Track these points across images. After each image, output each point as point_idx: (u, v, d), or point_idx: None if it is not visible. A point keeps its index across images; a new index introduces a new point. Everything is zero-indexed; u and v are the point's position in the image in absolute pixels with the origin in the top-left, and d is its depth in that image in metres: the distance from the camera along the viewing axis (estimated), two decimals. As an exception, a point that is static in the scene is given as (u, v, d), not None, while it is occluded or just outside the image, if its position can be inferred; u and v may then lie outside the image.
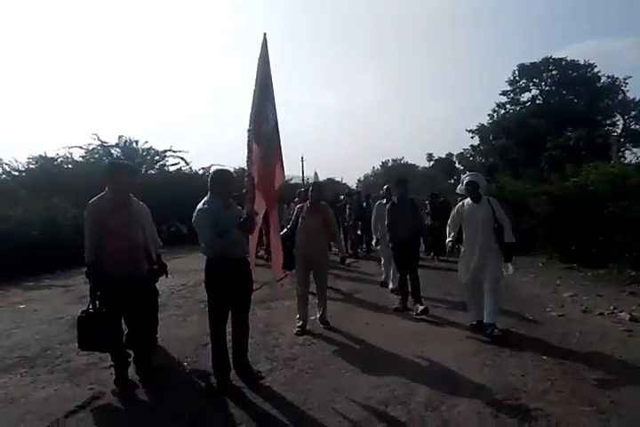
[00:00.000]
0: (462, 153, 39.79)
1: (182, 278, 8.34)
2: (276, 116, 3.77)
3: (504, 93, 35.60)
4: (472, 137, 35.64)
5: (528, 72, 34.48)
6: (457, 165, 43.23)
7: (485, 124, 34.83)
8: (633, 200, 8.05)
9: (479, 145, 35.61)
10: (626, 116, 33.04)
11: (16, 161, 16.18)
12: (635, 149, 28.95)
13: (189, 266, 9.05)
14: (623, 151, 26.80)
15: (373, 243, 7.50)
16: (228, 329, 3.73)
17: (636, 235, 7.84)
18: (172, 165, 20.01)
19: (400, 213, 5.94)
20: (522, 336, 4.78)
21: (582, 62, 33.20)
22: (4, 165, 15.69)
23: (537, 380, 3.66)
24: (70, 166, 17.31)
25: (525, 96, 35.41)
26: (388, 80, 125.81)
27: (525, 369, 3.89)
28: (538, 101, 34.54)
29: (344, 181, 52.08)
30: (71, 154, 17.89)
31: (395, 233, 5.97)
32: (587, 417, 3.04)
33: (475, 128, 35.15)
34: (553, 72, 34.00)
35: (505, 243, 4.77)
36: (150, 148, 19.64)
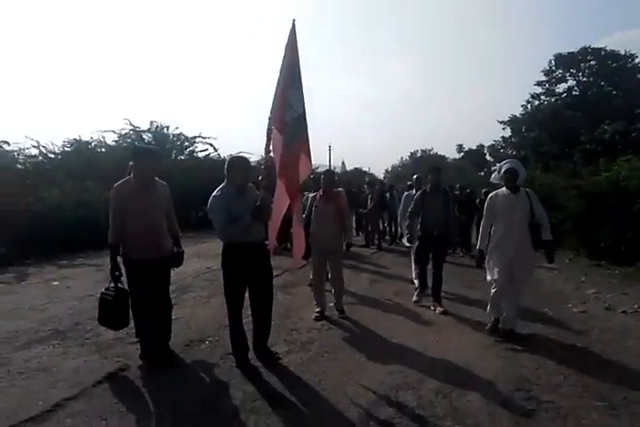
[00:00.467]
0: (493, 145, 38.99)
1: (208, 262, 8.58)
2: (302, 106, 3.70)
3: (539, 84, 34.56)
4: (504, 128, 34.90)
5: (565, 62, 33.34)
6: (488, 157, 42.40)
7: (518, 115, 33.99)
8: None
9: (510, 137, 34.84)
10: (668, 110, 31.70)
11: (52, 144, 16.70)
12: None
13: (215, 250, 9.13)
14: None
15: (404, 240, 6.69)
16: (248, 312, 3.88)
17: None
18: (201, 151, 20.32)
19: (431, 204, 5.58)
20: (540, 331, 4.77)
21: (623, 53, 31.91)
22: (41, 148, 16.21)
23: (550, 373, 3.68)
24: (103, 150, 17.76)
25: (561, 87, 34.29)
26: (418, 69, 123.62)
27: (540, 363, 3.91)
28: (574, 93, 33.40)
29: (371, 171, 51.78)
30: (104, 138, 18.33)
31: (423, 224, 5.63)
32: (597, 412, 3.06)
33: (507, 119, 34.37)
34: (591, 62, 32.77)
35: (544, 241, 4.39)
36: (180, 133, 19.92)
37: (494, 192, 4.62)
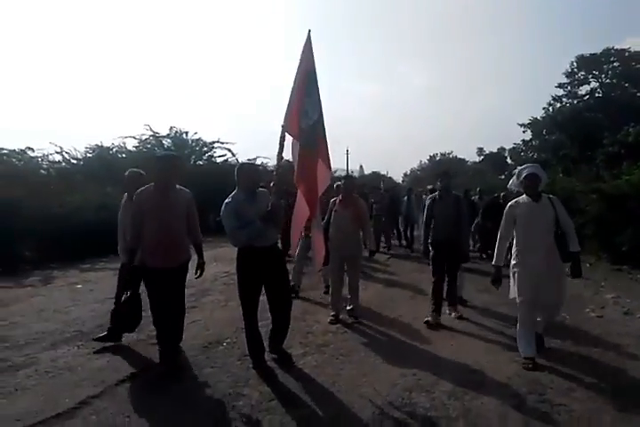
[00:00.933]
0: (514, 148, 38.59)
1: (225, 266, 8.72)
2: (318, 112, 3.74)
3: (560, 86, 34.21)
4: (524, 131, 34.54)
5: (587, 64, 32.94)
6: (508, 161, 41.94)
7: (539, 117, 33.60)
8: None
9: (531, 140, 34.43)
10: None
11: (75, 150, 17.14)
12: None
13: (232, 254, 9.27)
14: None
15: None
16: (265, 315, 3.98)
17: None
18: (220, 156, 20.61)
19: (442, 211, 5.35)
20: (556, 335, 4.75)
21: (647, 53, 31.35)
22: (64, 154, 16.64)
23: (565, 377, 3.68)
24: (124, 155, 18.15)
25: (583, 89, 33.91)
26: (438, 72, 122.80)
27: (554, 366, 3.91)
28: (597, 95, 32.92)
29: (389, 175, 51.64)
30: (125, 144, 18.73)
31: (435, 233, 5.40)
32: (610, 415, 3.06)
33: (527, 122, 34.01)
34: (614, 64, 32.33)
35: (570, 252, 3.94)
36: (199, 139, 20.24)
37: (514, 200, 4.16)
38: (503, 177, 36.77)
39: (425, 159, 63.85)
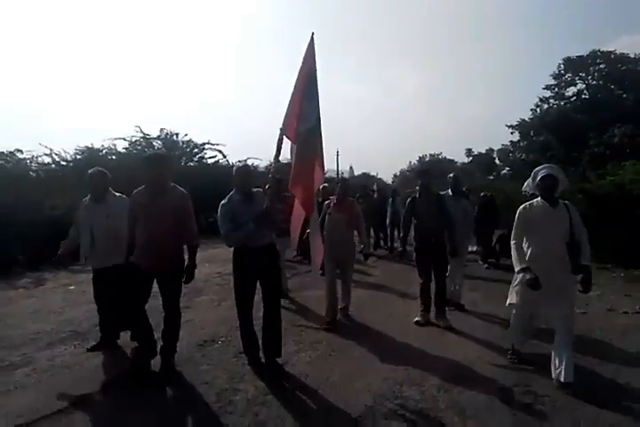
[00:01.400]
0: (502, 149, 39.02)
1: (218, 267, 8.82)
2: (317, 117, 3.75)
3: (548, 88, 34.62)
4: (512, 133, 34.95)
5: (574, 66, 33.39)
6: (497, 161, 42.39)
7: (527, 119, 34.03)
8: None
9: (519, 141, 34.84)
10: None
11: (64, 151, 17.04)
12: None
13: (225, 255, 9.40)
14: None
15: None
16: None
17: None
18: (210, 157, 20.64)
19: (423, 210, 5.25)
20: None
21: (632, 55, 31.89)
22: (54, 156, 16.55)
23: (549, 371, 3.81)
24: (114, 157, 18.08)
25: (570, 91, 34.29)
26: (426, 73, 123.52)
27: (541, 361, 4.04)
28: (584, 96, 33.40)
29: (379, 176, 51.85)
30: (115, 145, 18.61)
31: (417, 233, 5.36)
32: (592, 406, 3.20)
33: (515, 123, 34.43)
34: (601, 66, 32.80)
35: (582, 266, 3.60)
36: (190, 140, 20.24)
37: (528, 203, 3.83)
38: (492, 177, 37.25)
39: (414, 160, 64.24)
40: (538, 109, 34.37)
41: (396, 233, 11.95)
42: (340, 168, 43.58)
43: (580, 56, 33.20)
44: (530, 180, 3.88)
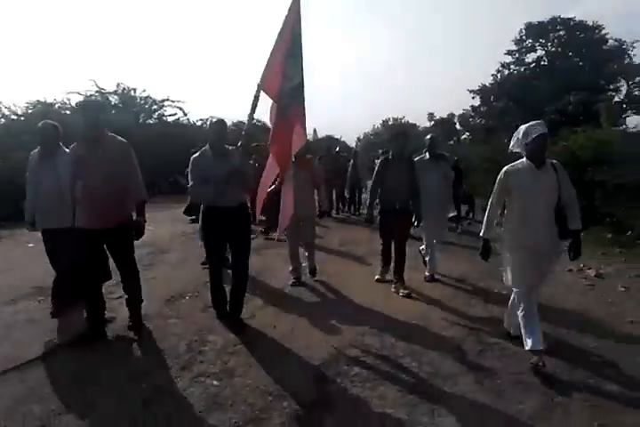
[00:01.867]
0: (464, 113, 39.54)
1: (182, 226, 8.81)
2: (300, 76, 3.64)
3: (509, 53, 34.85)
4: (473, 97, 35.34)
5: (535, 32, 33.59)
6: (457, 126, 43.01)
7: (487, 84, 34.39)
8: (613, 166, 8.37)
9: (480, 106, 35.34)
10: (630, 82, 32.62)
11: (15, 105, 16.13)
12: (637, 116, 28.97)
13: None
14: (624, 118, 26.79)
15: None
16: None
17: (615, 200, 8.23)
18: (170, 115, 20.01)
19: (394, 173, 4.99)
20: (491, 286, 5.23)
21: (590, 23, 32.38)
22: (4, 109, 15.64)
23: (498, 322, 4.11)
24: (68, 112, 17.26)
25: (530, 57, 34.70)
26: (389, 36, 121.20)
27: (490, 313, 4.38)
28: (543, 63, 33.92)
29: (343, 139, 51.66)
30: (69, 100, 17.77)
31: (384, 198, 5.10)
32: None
33: (477, 88, 34.77)
34: (560, 33, 33.15)
35: (571, 231, 3.34)
36: (148, 96, 19.50)
37: (510, 165, 3.45)
38: (452, 142, 37.84)
39: (378, 124, 64.13)
40: (499, 75, 34.74)
41: (356, 197, 11.96)
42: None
43: (541, 22, 33.35)
44: (517, 137, 3.42)
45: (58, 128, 4.18)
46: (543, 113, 25.73)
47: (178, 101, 19.68)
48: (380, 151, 10.97)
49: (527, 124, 3.37)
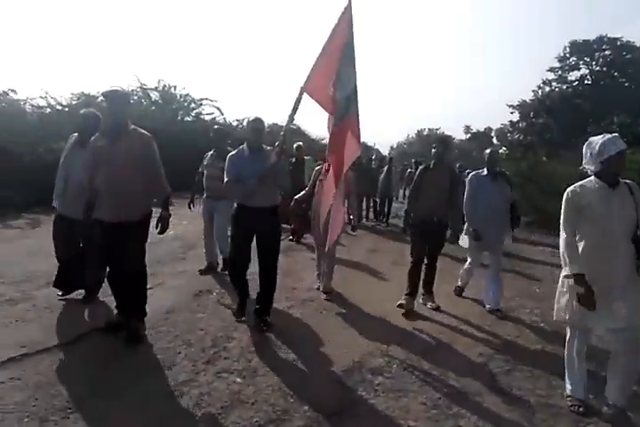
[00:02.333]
0: (501, 128, 38.91)
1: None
2: (354, 83, 3.60)
3: (552, 70, 34.20)
4: (512, 112, 34.79)
5: (579, 50, 32.91)
6: (495, 141, 42.29)
7: (528, 100, 33.82)
8: None
9: (518, 121, 34.75)
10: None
11: (60, 96, 16.65)
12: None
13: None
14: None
15: (461, 238, 5.08)
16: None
17: None
18: (208, 114, 20.32)
19: (432, 183, 4.58)
20: (523, 308, 5.10)
21: (638, 44, 31.51)
22: (50, 99, 16.16)
23: (530, 342, 4.01)
24: (110, 105, 17.70)
25: (574, 75, 33.99)
26: (429, 45, 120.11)
27: (521, 333, 4.26)
28: (586, 82, 33.16)
29: (376, 147, 51.53)
30: (112, 93, 18.25)
31: (420, 207, 4.67)
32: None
33: (516, 103, 34.22)
34: (606, 52, 32.38)
35: None
36: (187, 94, 19.82)
37: (577, 185, 2.95)
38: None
39: (413, 133, 63.69)
40: (540, 91, 34.12)
41: (385, 206, 11.43)
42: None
43: (587, 40, 32.68)
44: (592, 154, 2.86)
45: (99, 118, 4.17)
46: (585, 132, 25.16)
47: (215, 101, 20.01)
48: (413, 161, 10.79)
49: (602, 138, 2.85)
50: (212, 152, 5.53)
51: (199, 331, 3.76)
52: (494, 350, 3.83)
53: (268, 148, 3.88)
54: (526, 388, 3.19)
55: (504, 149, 38.09)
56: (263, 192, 3.70)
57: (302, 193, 5.09)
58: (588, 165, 2.93)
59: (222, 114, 20.07)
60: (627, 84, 31.20)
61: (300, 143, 8.15)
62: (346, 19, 3.53)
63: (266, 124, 4.72)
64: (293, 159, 7.71)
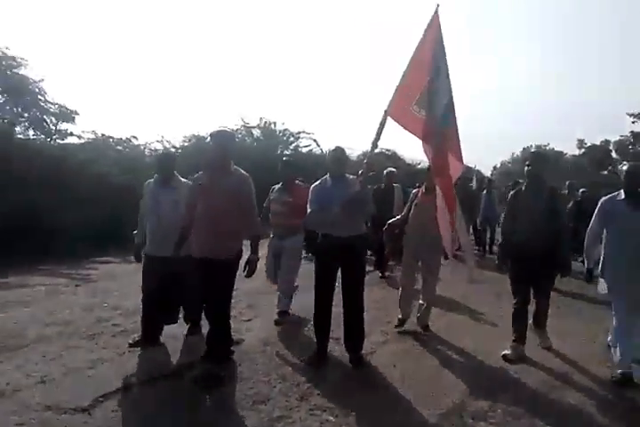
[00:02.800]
0: (621, 140, 35.37)
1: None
2: (446, 100, 3.44)
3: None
4: (633, 122, 31.54)
5: None
6: (613, 155, 38.38)
7: (651, 106, 30.52)
8: None
9: (642, 131, 31.40)
10: None
11: (174, 139, 18.46)
12: None
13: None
14: None
15: (600, 284, 3.95)
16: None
17: None
18: (305, 146, 21.16)
19: (527, 207, 4.01)
20: None
21: None
22: (165, 142, 17.95)
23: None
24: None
25: None
26: (537, 57, 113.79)
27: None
28: None
29: (477, 168, 49.35)
30: (220, 134, 19.79)
31: (517, 238, 4.06)
32: None
33: (638, 112, 31.03)
34: None
35: None
36: (286, 129, 20.90)
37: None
38: (606, 172, 33.82)
39: (518, 151, 60.22)
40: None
41: (488, 234, 10.41)
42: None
43: None
44: None
45: (175, 157, 4.56)
46: None
47: (312, 133, 20.81)
48: (511, 183, 9.83)
49: None
50: (279, 185, 5.17)
51: (294, 364, 3.78)
52: (615, 395, 3.35)
53: (352, 177, 3.87)
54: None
55: (624, 163, 34.33)
56: (347, 221, 3.63)
57: (397, 217, 4.93)
58: None
59: (319, 145, 20.75)
60: None
61: (392, 169, 7.73)
62: (433, 27, 3.39)
63: (360, 152, 4.76)
64: (382, 185, 7.37)
